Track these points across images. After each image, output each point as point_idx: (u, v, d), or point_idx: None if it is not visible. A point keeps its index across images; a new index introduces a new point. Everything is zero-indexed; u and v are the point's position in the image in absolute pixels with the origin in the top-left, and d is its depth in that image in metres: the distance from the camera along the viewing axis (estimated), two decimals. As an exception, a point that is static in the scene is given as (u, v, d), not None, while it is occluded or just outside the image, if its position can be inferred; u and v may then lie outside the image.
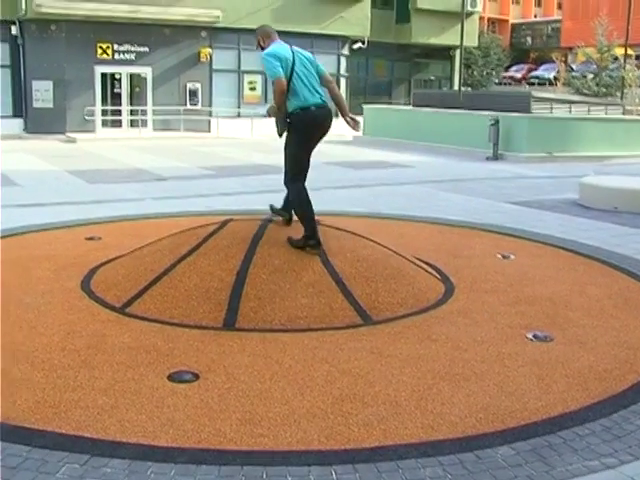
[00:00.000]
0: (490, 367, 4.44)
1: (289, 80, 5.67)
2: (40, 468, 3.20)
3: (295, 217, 6.01)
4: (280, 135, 5.89)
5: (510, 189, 13.13)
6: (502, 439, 3.54)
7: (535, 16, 61.40)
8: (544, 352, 4.72)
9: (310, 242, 5.77)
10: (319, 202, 10.64)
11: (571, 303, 5.84)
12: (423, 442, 3.49)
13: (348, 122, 6.04)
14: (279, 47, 5.84)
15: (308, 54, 5.98)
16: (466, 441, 3.51)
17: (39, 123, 25.18)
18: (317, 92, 5.81)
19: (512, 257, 7.38)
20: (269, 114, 5.87)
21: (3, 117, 25.23)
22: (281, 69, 5.64)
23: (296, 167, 5.87)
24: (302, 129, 5.77)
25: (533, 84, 45.35)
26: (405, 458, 3.35)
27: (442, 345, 4.81)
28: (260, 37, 6.01)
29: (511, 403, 3.93)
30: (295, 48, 5.91)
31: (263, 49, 5.90)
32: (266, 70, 5.74)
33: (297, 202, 5.89)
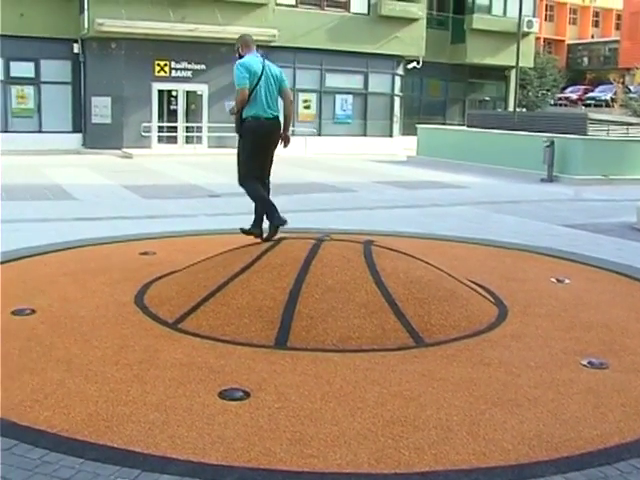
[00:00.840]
0: (544, 393, 4.37)
1: (252, 90, 6.46)
2: (92, 481, 3.24)
3: (266, 231, 6.65)
4: (238, 133, 6.70)
5: (565, 212, 12.96)
6: (555, 468, 3.47)
7: (592, 37, 60.79)
8: (599, 379, 4.62)
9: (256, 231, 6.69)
10: (372, 222, 10.70)
11: (628, 330, 5.71)
12: (474, 468, 3.44)
13: (281, 137, 6.79)
14: (253, 60, 6.59)
15: (277, 71, 6.70)
16: (518, 469, 3.45)
17: (97, 138, 25.67)
18: (270, 107, 6.60)
19: (567, 281, 7.26)
20: (231, 112, 6.74)
21: (63, 132, 25.86)
22: (247, 81, 6.45)
23: (246, 170, 6.66)
24: (250, 136, 6.58)
25: (589, 105, 44.86)
26: (456, 484, 3.31)
27: (495, 370, 4.75)
28: (240, 45, 6.75)
29: (565, 431, 3.85)
30: (267, 63, 6.60)
31: (240, 56, 6.66)
32: (235, 78, 6.51)
33: (253, 197, 6.72)
